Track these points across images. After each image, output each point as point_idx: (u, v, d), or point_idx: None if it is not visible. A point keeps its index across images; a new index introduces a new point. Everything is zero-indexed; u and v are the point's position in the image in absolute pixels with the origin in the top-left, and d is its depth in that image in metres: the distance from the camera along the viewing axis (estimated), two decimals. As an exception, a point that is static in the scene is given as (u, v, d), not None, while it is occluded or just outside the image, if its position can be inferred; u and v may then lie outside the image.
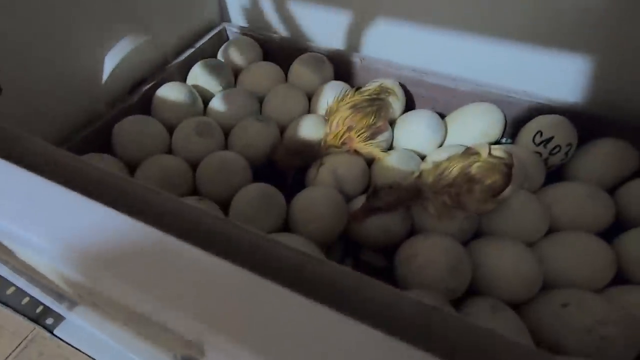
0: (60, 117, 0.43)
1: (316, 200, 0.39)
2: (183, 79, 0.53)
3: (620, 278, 0.35)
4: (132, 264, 0.14)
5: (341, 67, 0.55)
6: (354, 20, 0.53)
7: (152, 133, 0.45)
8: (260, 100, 0.52)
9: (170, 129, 0.47)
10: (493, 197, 0.36)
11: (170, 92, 0.49)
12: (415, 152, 0.46)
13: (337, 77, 0.55)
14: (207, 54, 0.57)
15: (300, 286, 0.14)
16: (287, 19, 0.58)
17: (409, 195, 0.37)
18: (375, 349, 0.12)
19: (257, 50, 0.57)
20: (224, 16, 0.62)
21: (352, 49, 0.56)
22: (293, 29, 0.58)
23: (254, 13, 0.60)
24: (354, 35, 0.55)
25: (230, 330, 0.13)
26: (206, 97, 0.52)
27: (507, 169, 0.36)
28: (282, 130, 0.49)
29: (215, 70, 0.53)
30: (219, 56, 0.58)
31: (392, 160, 0.44)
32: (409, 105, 0.52)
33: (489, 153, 0.37)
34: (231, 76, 0.54)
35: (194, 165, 0.44)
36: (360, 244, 0.41)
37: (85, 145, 0.43)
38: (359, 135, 0.42)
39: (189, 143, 0.44)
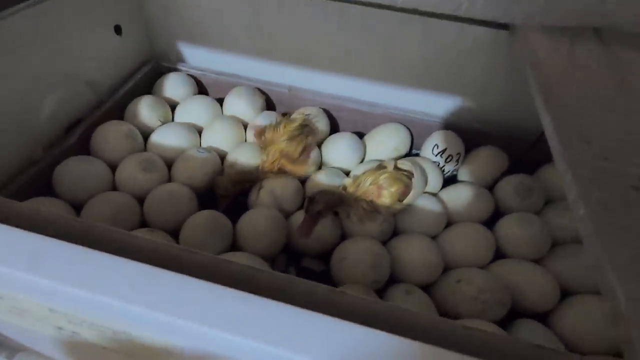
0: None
1: (259, 220, 0.45)
2: (120, 117, 0.56)
3: (499, 254, 0.46)
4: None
5: (271, 96, 0.62)
6: (281, 56, 0.60)
7: (96, 172, 0.47)
8: (199, 132, 0.56)
9: (112, 167, 0.49)
10: (399, 201, 0.45)
11: (109, 130, 0.51)
12: (340, 169, 0.54)
13: (269, 106, 0.62)
14: (142, 90, 0.60)
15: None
16: (218, 54, 0.63)
17: (336, 200, 0.45)
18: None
19: (191, 85, 0.62)
20: (155, 53, 0.66)
21: (280, 80, 0.62)
22: (224, 63, 0.64)
23: (184, 49, 0.64)
24: (281, 68, 0.61)
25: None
26: (145, 133, 0.55)
27: (408, 179, 0.45)
28: (222, 158, 0.54)
29: (153, 105, 0.56)
30: (154, 92, 0.61)
31: (321, 178, 0.51)
32: (334, 127, 0.61)
33: (395, 167, 0.46)
34: (169, 111, 0.58)
35: (140, 199, 0.47)
36: (300, 253, 0.48)
37: (24, 192, 0.44)
38: (292, 162, 0.49)
39: (134, 179, 0.47)
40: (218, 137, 0.55)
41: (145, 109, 0.55)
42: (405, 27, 0.49)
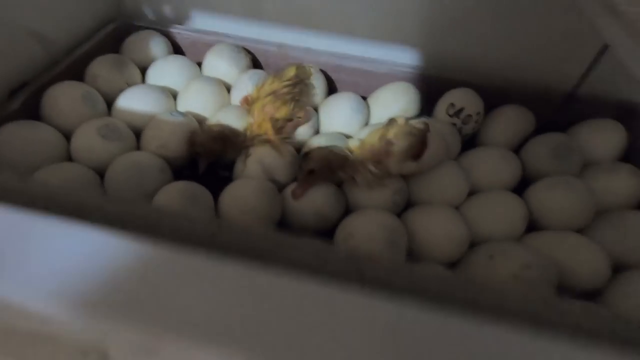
0: None
1: (246, 192, 0.37)
2: (78, 80, 0.47)
3: (530, 226, 0.39)
4: None
5: (258, 56, 0.54)
6: (268, 8, 0.52)
7: (44, 139, 0.38)
8: (174, 97, 0.48)
9: (67, 135, 0.41)
10: (413, 159, 0.37)
11: (62, 92, 0.42)
12: (341, 134, 0.46)
13: (255, 66, 0.53)
14: (105, 51, 0.50)
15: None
16: (196, 10, 0.54)
17: (338, 160, 0.37)
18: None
19: (164, 44, 0.53)
20: (124, 11, 0.56)
21: (267, 37, 0.54)
22: (203, 20, 0.55)
23: (158, 6, 0.55)
24: (270, 24, 0.53)
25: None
26: (109, 98, 0.46)
27: (423, 134, 0.38)
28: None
29: (118, 66, 0.47)
30: (121, 53, 0.52)
31: (320, 142, 0.43)
32: (332, 90, 0.53)
33: (406, 122, 0.39)
34: (137, 73, 0.49)
35: (100, 173, 0.38)
36: (297, 232, 0.40)
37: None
38: (277, 130, 0.41)
39: (92, 148, 0.39)
40: (196, 100, 0.46)
41: (109, 70, 0.47)
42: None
